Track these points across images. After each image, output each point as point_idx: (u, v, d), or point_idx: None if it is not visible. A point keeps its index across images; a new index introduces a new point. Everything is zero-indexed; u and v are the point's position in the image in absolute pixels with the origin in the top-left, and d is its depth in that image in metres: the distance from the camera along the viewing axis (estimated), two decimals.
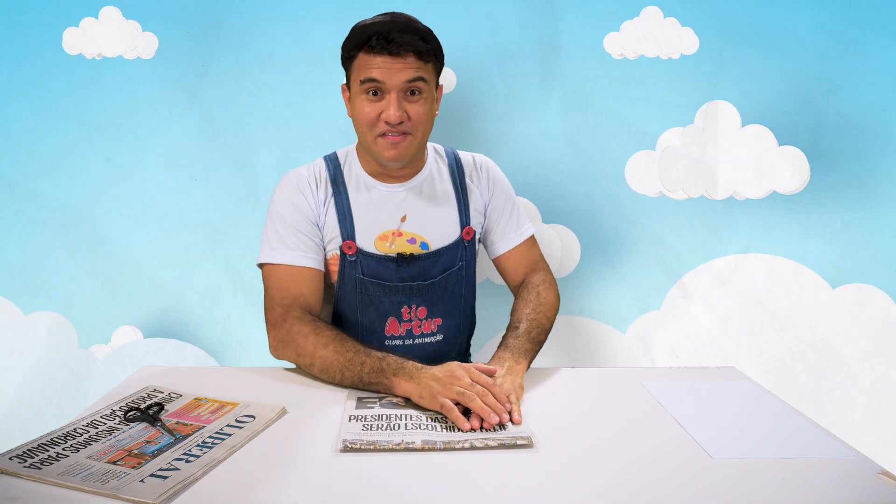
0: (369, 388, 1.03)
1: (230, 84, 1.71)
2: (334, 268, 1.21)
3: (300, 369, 1.14)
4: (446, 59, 1.61)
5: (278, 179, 1.56)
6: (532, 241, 1.35)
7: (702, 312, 1.78)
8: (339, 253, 1.19)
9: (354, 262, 1.19)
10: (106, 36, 1.69)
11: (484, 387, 0.95)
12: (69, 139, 1.72)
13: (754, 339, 1.78)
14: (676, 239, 1.75)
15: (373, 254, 1.19)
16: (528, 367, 1.13)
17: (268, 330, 1.15)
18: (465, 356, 1.40)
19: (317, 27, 1.71)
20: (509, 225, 1.32)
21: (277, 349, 1.14)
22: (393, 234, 1.21)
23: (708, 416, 0.95)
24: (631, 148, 1.75)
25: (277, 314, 1.13)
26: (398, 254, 1.20)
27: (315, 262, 1.18)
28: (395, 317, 1.22)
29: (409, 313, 1.23)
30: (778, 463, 0.80)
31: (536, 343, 1.18)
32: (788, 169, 1.72)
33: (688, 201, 1.75)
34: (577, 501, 0.72)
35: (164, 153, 1.73)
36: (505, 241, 1.32)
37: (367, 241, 1.20)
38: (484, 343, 1.73)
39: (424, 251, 1.22)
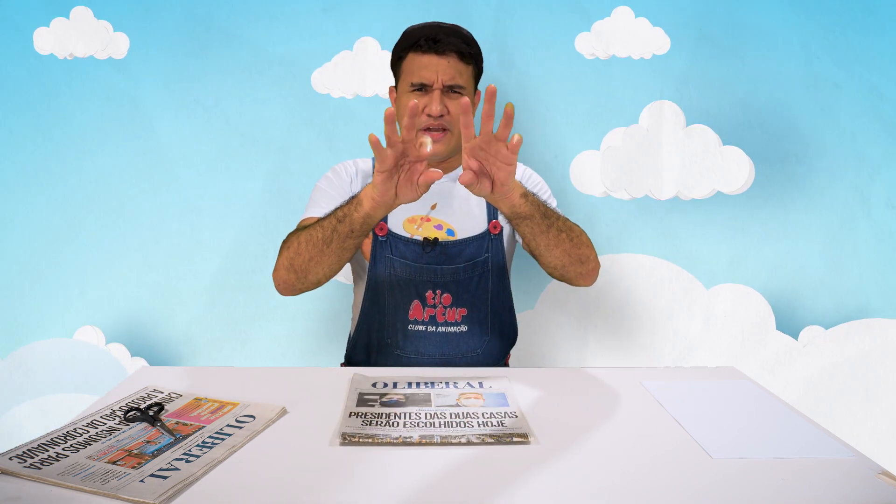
0: (343, 224, 1.05)
1: (203, 84, 1.72)
2: (367, 248, 1.30)
3: (299, 369, 1.15)
4: None
5: (251, 181, 1.70)
6: None
7: (571, 313, 1.81)
8: (371, 234, 1.28)
9: (385, 242, 1.29)
10: (77, 36, 1.69)
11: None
12: (41, 139, 1.72)
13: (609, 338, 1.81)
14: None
15: (401, 236, 1.29)
16: (523, 196, 1.04)
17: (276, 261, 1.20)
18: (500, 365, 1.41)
19: (288, 27, 1.71)
20: None
21: (278, 269, 1.17)
22: (421, 218, 1.30)
23: (708, 416, 0.95)
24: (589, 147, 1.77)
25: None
26: (424, 238, 1.27)
27: None
28: (419, 301, 1.28)
29: (434, 299, 1.28)
30: (778, 463, 0.80)
31: (545, 216, 1.08)
32: (731, 169, 1.73)
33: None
34: (575, 500, 0.72)
35: (135, 153, 1.73)
36: None
37: (396, 222, 1.29)
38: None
39: (450, 237, 1.29)
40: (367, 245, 1.30)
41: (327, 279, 1.16)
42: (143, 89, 1.71)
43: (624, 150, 1.74)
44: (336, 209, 1.09)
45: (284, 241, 1.18)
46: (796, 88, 1.72)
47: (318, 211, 1.25)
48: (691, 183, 1.74)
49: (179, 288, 1.77)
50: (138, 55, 1.70)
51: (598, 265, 1.23)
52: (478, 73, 1.31)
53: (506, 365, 1.43)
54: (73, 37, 1.69)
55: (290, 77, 1.72)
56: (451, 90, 1.25)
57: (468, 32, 1.29)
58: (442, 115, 1.24)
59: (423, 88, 1.25)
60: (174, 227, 1.75)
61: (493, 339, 1.34)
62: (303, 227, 1.16)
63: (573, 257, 1.15)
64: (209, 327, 1.78)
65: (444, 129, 1.26)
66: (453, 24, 1.29)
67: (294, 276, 1.15)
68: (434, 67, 1.23)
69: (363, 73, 1.71)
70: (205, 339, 1.78)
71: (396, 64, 1.31)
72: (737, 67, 1.72)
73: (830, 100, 1.72)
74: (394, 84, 1.35)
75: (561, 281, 1.24)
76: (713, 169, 1.73)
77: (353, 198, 1.06)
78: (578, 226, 1.21)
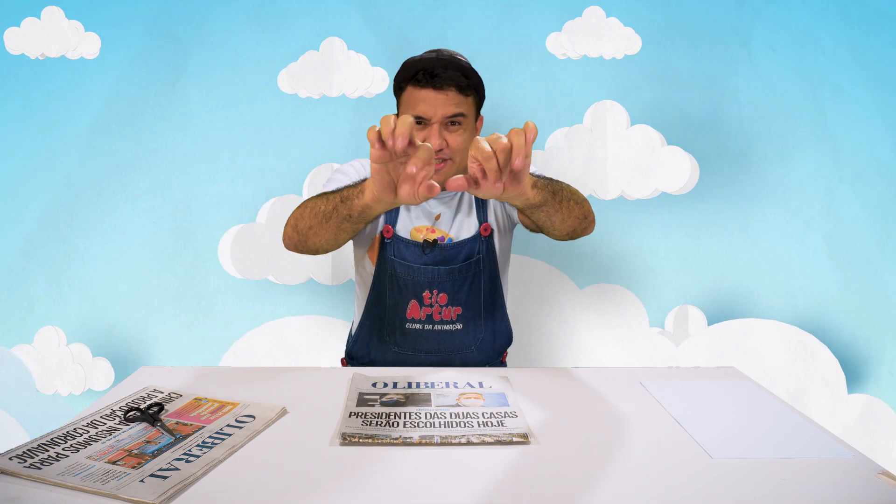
0: (344, 205, 1.04)
1: (172, 84, 1.72)
2: (373, 253, 1.35)
3: (299, 368, 1.15)
4: (383, 62, 1.69)
5: (219, 181, 1.74)
6: None
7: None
8: (379, 236, 1.33)
9: (389, 243, 1.33)
10: (48, 36, 1.69)
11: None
12: (11, 139, 1.72)
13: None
14: None
15: (403, 238, 1.33)
16: (534, 186, 1.00)
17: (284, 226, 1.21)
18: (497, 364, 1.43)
19: (255, 27, 1.72)
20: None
21: (287, 224, 1.19)
22: (427, 229, 1.34)
23: (708, 416, 0.95)
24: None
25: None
26: (424, 240, 1.32)
27: None
28: (416, 300, 1.32)
29: (431, 298, 1.32)
30: (778, 463, 0.80)
31: (552, 191, 1.07)
32: (674, 169, 1.76)
33: None
34: (575, 501, 0.72)
35: (105, 153, 1.73)
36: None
37: (403, 230, 1.34)
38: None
39: (449, 245, 1.34)
40: (375, 251, 1.34)
41: (325, 251, 1.18)
42: (114, 89, 1.72)
43: (567, 149, 1.75)
44: (344, 188, 1.08)
45: (304, 201, 1.19)
46: (768, 89, 1.73)
47: (329, 187, 1.26)
48: (636, 183, 1.76)
49: (145, 289, 1.77)
50: (110, 55, 1.71)
51: (593, 213, 1.23)
52: (479, 100, 1.31)
53: (503, 363, 1.45)
54: (44, 37, 1.69)
55: (257, 77, 1.72)
56: (450, 122, 1.25)
57: (467, 63, 1.29)
58: (441, 149, 1.25)
59: (421, 122, 1.25)
60: (141, 228, 1.76)
61: (486, 336, 1.37)
62: (321, 194, 1.16)
63: (580, 218, 1.17)
64: (173, 328, 1.78)
65: (444, 161, 1.27)
66: (452, 56, 1.28)
67: (297, 237, 1.17)
68: (432, 102, 1.23)
69: (330, 73, 1.71)
70: (170, 340, 1.79)
71: (397, 94, 1.32)
72: (705, 67, 1.73)
73: (803, 104, 1.74)
74: (396, 113, 1.33)
75: (566, 240, 1.24)
76: (657, 168, 1.75)
77: (360, 183, 1.04)
78: (568, 184, 1.19)
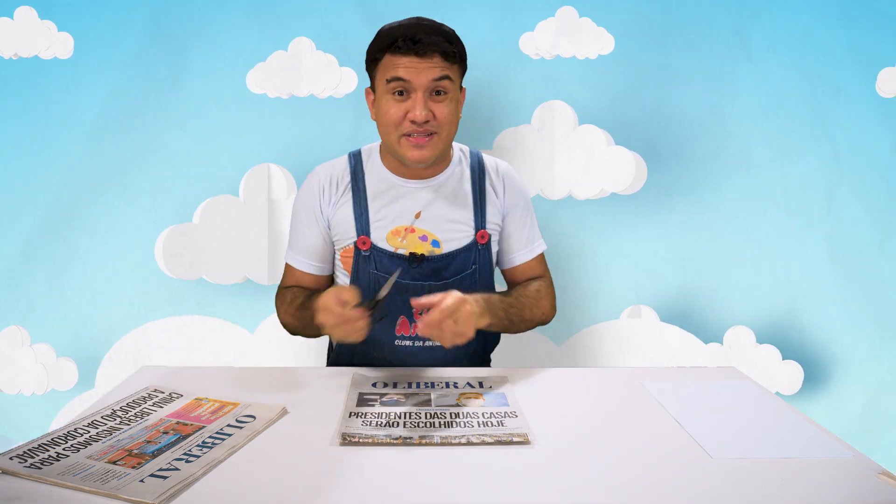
0: (310, 329, 1.17)
1: (147, 84, 1.71)
2: (348, 260, 1.25)
3: (299, 368, 1.17)
4: (352, 61, 1.67)
5: (194, 184, 1.75)
6: (542, 256, 1.35)
7: None
8: (353, 246, 1.23)
9: (368, 256, 1.22)
10: (21, 36, 1.69)
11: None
12: None
13: None
14: None
15: (386, 250, 1.22)
16: (485, 327, 1.12)
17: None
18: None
19: (224, 27, 1.70)
20: (525, 239, 1.32)
21: (278, 316, 1.30)
22: (406, 229, 1.22)
23: (708, 416, 0.95)
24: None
25: (278, 293, 1.32)
26: (410, 253, 1.22)
27: (314, 269, 1.29)
28: (405, 316, 1.23)
29: (421, 314, 1.21)
30: (778, 463, 0.80)
31: (508, 320, 1.19)
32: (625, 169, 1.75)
33: None
34: (576, 501, 0.72)
35: (80, 153, 1.72)
36: (519, 254, 1.32)
37: (379, 236, 1.22)
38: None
39: (436, 249, 1.23)
40: (349, 256, 1.25)
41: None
42: (87, 89, 1.71)
43: (516, 149, 1.74)
44: (306, 310, 1.15)
45: (277, 295, 1.31)
46: (736, 88, 1.72)
47: (294, 258, 1.29)
48: (584, 182, 1.75)
49: (107, 288, 1.75)
50: (83, 55, 1.70)
51: (552, 314, 1.34)
52: (463, 70, 1.21)
53: (488, 363, 1.40)
54: (17, 37, 1.69)
55: (226, 77, 1.71)
56: (435, 92, 1.14)
57: (449, 29, 1.17)
58: (427, 121, 1.14)
59: (403, 93, 1.14)
60: (112, 227, 1.73)
61: (478, 346, 1.31)
62: (287, 291, 1.27)
63: (534, 325, 1.30)
64: (128, 328, 1.76)
65: (430, 134, 1.16)
66: (432, 21, 1.18)
67: (291, 332, 1.28)
68: (415, 69, 1.12)
69: (298, 73, 1.71)
70: (130, 340, 1.76)
71: (371, 66, 1.20)
72: (677, 67, 1.72)
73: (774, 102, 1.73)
74: (370, 85, 1.24)
75: None
76: (605, 168, 1.73)
77: (314, 312, 1.06)
78: (538, 290, 1.29)
